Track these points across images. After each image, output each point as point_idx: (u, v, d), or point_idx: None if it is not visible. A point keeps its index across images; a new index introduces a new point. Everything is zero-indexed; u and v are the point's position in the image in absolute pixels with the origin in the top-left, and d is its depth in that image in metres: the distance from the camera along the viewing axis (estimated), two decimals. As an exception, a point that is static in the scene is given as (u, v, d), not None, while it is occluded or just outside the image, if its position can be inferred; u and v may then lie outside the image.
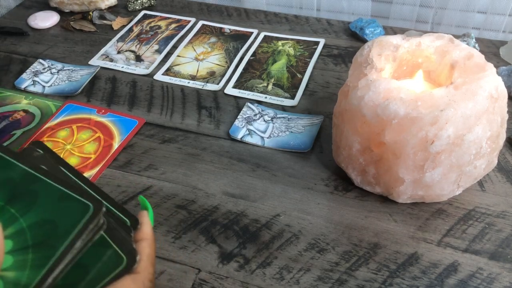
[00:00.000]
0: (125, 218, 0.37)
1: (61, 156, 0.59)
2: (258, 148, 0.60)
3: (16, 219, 0.32)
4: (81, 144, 0.61)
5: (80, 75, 0.73)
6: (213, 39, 0.81)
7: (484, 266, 0.47)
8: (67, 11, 0.88)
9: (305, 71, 0.72)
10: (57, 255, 0.30)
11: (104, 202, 0.34)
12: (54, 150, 0.60)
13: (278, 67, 0.74)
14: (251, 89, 0.70)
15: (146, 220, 0.38)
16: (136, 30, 0.84)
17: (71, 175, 0.38)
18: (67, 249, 0.31)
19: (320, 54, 0.76)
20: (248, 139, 0.61)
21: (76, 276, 0.32)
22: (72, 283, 0.32)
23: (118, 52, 0.78)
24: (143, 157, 0.60)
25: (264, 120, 0.63)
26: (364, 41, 0.78)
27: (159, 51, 0.78)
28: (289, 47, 0.78)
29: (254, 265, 0.48)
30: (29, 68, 0.75)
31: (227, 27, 0.84)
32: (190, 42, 0.80)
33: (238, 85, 0.71)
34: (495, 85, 0.47)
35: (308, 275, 0.47)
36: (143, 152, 0.61)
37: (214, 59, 0.76)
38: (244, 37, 0.81)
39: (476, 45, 0.72)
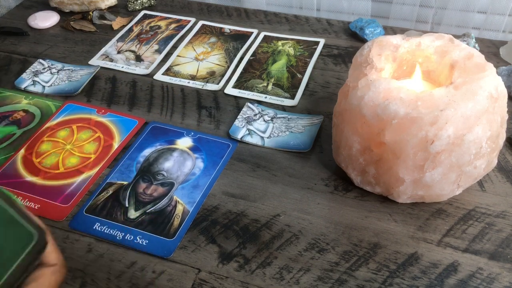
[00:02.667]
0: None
1: (61, 156, 0.59)
2: (258, 148, 0.60)
3: None
4: (81, 144, 0.61)
5: (80, 75, 0.73)
6: (213, 39, 0.81)
7: (484, 266, 0.47)
8: (67, 11, 0.88)
9: (305, 71, 0.72)
10: None
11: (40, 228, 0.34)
12: (54, 150, 0.60)
13: (278, 67, 0.74)
14: (251, 89, 0.70)
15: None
16: (136, 30, 0.84)
17: None
18: (8, 281, 0.31)
19: (320, 54, 0.76)
20: (248, 139, 0.61)
21: None
22: None
23: (118, 52, 0.78)
24: (143, 157, 0.60)
25: (264, 120, 0.63)
26: (364, 41, 0.78)
27: (159, 51, 0.78)
28: (289, 47, 0.78)
29: (254, 265, 0.48)
30: (29, 68, 0.75)
31: (227, 27, 0.84)
32: (190, 42, 0.80)
33: (238, 85, 0.71)
34: (495, 85, 0.47)
35: (308, 275, 0.47)
36: (143, 152, 0.61)
37: (214, 59, 0.76)
38: (244, 37, 0.81)
39: (476, 45, 0.72)
